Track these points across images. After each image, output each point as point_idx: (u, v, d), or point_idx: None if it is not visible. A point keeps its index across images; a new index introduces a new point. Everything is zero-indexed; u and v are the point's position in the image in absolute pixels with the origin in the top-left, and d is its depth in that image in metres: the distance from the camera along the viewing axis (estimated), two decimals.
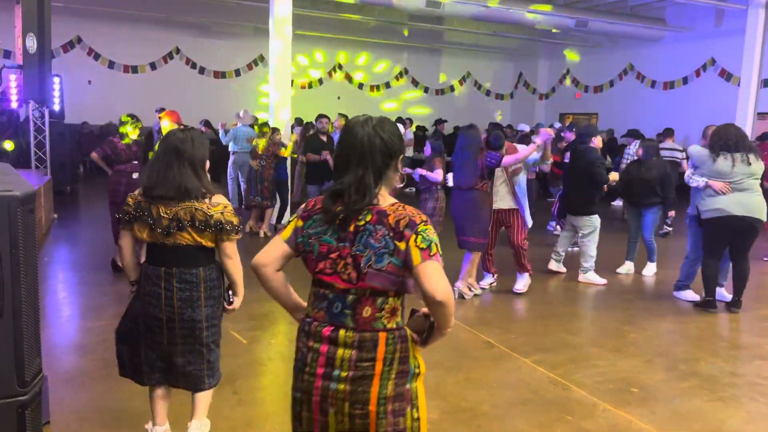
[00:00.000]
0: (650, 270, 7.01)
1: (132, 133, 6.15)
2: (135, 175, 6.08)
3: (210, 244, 2.72)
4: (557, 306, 5.91)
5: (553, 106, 20.20)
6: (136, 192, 2.75)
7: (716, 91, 14.74)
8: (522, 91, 21.49)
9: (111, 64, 16.64)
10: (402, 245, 1.77)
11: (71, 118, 13.45)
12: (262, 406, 3.49)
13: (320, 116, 9.08)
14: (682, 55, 15.71)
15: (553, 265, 6.90)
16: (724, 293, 5.94)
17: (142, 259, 2.87)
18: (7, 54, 13.33)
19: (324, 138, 8.80)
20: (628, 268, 7.08)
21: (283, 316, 5.09)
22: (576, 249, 7.38)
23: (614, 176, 6.67)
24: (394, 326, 1.86)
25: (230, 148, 10.05)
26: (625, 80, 17.63)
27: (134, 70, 16.95)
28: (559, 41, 18.07)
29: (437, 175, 6.39)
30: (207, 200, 2.68)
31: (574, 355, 4.47)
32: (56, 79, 10.65)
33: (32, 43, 8.04)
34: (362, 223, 1.81)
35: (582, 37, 17.52)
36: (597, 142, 6.58)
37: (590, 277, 6.52)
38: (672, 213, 7.11)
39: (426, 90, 20.73)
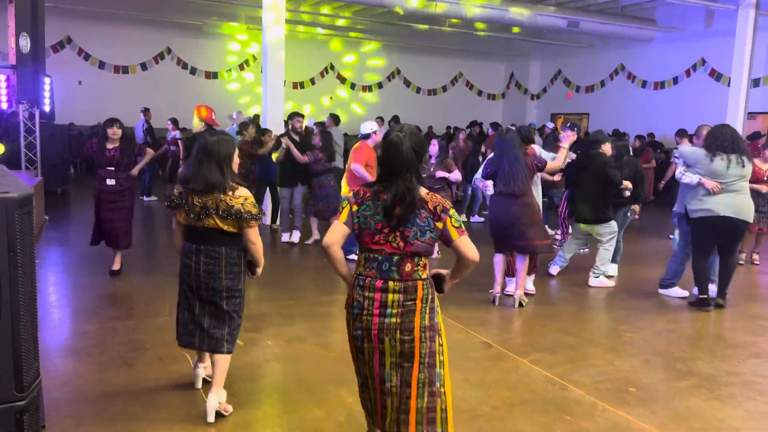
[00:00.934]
0: (613, 270, 6.91)
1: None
2: (109, 182, 5.92)
3: (232, 229, 3.24)
4: (553, 306, 5.92)
5: (545, 107, 20.27)
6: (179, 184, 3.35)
7: (706, 91, 14.85)
8: (514, 92, 21.56)
9: (101, 65, 16.54)
10: (440, 224, 2.49)
11: (60, 119, 13.35)
12: (260, 409, 3.46)
13: (294, 114, 8.52)
14: (673, 55, 15.81)
15: (555, 270, 6.80)
16: (714, 289, 5.98)
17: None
18: None
19: (297, 138, 8.02)
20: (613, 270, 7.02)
21: (280, 317, 5.07)
22: (582, 251, 7.43)
23: (627, 184, 6.38)
24: (426, 277, 2.56)
25: None
26: (616, 80, 17.73)
27: (125, 70, 16.86)
28: (551, 42, 18.13)
29: (456, 175, 6.91)
30: (230, 193, 3.19)
31: (572, 355, 4.48)
32: (47, 80, 10.56)
33: (25, 43, 7.97)
34: (408, 209, 2.47)
35: (574, 37, 17.59)
36: (606, 148, 6.52)
37: (603, 281, 6.46)
38: (637, 207, 7.05)
39: (418, 90, 20.75)
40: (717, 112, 12.51)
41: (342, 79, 19.62)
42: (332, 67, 19.44)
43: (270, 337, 4.63)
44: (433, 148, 6.97)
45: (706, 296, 5.68)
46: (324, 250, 2.60)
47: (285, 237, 8.22)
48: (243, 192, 3.23)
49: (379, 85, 20.21)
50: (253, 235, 3.26)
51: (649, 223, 10.65)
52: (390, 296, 2.50)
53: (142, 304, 5.32)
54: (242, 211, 3.18)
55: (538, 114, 20.24)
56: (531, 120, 19.03)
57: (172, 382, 3.76)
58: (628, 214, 6.84)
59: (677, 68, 15.79)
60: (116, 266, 6.20)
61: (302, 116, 8.48)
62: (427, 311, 2.53)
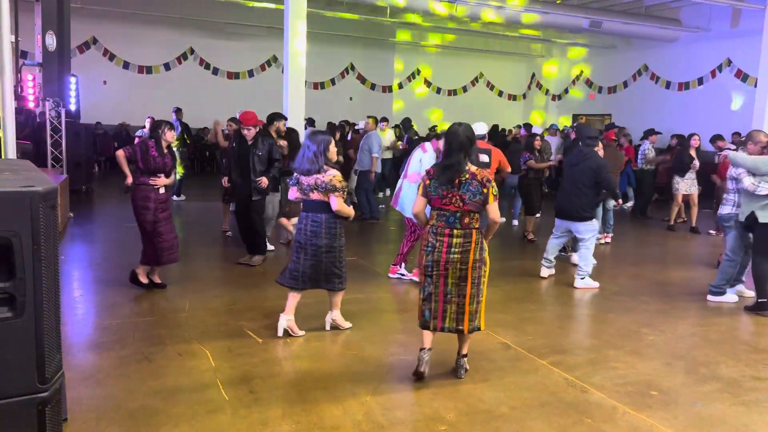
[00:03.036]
0: (576, 259, 6.91)
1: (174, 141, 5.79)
2: (161, 190, 5.55)
3: (325, 199, 4.38)
4: (572, 308, 5.86)
5: (566, 107, 20.09)
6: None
7: (732, 92, 14.59)
8: (534, 92, 21.40)
9: (126, 65, 16.77)
10: (485, 190, 3.68)
11: (86, 118, 13.56)
12: (278, 406, 3.47)
13: (279, 117, 7.58)
14: (698, 55, 15.57)
15: (545, 272, 6.69)
16: (745, 290, 6.02)
17: None
18: (24, 54, 13.42)
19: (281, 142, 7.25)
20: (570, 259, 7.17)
21: (299, 315, 5.08)
22: (563, 254, 7.36)
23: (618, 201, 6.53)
24: (478, 227, 3.76)
25: None
26: (639, 81, 17.50)
27: (148, 70, 17.06)
28: (573, 42, 17.97)
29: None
30: (323, 173, 4.37)
31: (592, 357, 4.42)
32: (73, 79, 10.73)
33: (51, 41, 8.10)
34: (463, 179, 3.68)
35: (596, 37, 17.40)
36: (600, 148, 6.51)
37: (588, 282, 6.40)
38: (620, 202, 6.99)
39: (438, 90, 20.70)
40: (743, 113, 12.30)
41: (362, 80, 19.64)
42: (353, 68, 19.47)
43: (289, 334, 4.64)
44: (433, 144, 6.82)
45: (766, 299, 5.63)
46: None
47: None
48: (332, 172, 4.40)
49: (400, 86, 20.19)
50: (334, 202, 4.35)
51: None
52: (454, 240, 3.72)
53: (163, 300, 5.38)
54: (329, 185, 4.34)
55: (560, 114, 20.07)
56: (552, 121, 18.86)
57: (192, 377, 3.79)
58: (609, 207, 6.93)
59: (702, 69, 15.53)
60: (158, 279, 5.74)
61: (285, 118, 7.66)
62: (478, 250, 3.74)
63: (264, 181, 6.49)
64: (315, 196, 4.38)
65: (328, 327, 4.74)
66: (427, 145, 6.24)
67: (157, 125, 5.62)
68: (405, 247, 6.35)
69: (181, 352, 4.20)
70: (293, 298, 4.58)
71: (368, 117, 10.33)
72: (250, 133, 6.50)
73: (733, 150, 6.32)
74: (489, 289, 5.99)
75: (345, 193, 4.44)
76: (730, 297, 6.06)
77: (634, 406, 3.62)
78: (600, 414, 3.51)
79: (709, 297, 6.08)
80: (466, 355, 3.98)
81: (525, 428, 3.32)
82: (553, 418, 3.45)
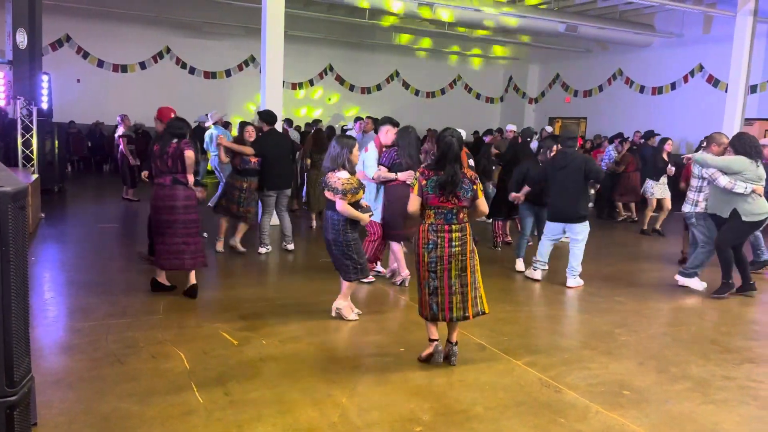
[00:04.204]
0: (521, 266, 7.10)
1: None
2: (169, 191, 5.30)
3: (332, 198, 4.74)
4: (548, 308, 5.92)
5: (543, 110, 20.31)
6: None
7: (704, 97, 14.89)
8: (512, 95, 21.59)
9: (100, 63, 16.53)
10: (475, 187, 4.06)
11: (59, 117, 13.32)
12: (254, 408, 3.45)
13: (245, 124, 7.82)
14: (671, 60, 15.85)
15: (539, 274, 6.75)
16: (699, 282, 6.51)
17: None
18: None
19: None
20: (520, 266, 7.13)
21: (275, 317, 5.06)
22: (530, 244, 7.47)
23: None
24: (468, 221, 4.12)
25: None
26: (614, 85, 17.77)
27: (123, 69, 16.84)
28: (549, 46, 18.17)
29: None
30: (331, 173, 4.72)
31: (566, 357, 4.47)
32: (45, 77, 10.54)
33: (23, 39, 7.93)
34: (460, 179, 3.99)
35: (572, 41, 17.63)
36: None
37: (580, 281, 6.53)
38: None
39: (416, 93, 20.77)
40: (714, 118, 12.56)
41: (341, 81, 19.63)
42: (331, 69, 19.44)
43: (264, 336, 4.62)
44: (376, 141, 6.77)
45: (731, 281, 6.25)
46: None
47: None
48: (340, 173, 4.70)
49: (378, 87, 20.22)
50: (337, 203, 4.67)
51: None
52: (454, 234, 4.04)
53: (137, 302, 5.31)
54: (332, 186, 4.67)
55: (537, 118, 20.28)
56: (529, 123, 19.06)
57: (166, 380, 3.75)
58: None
59: (675, 74, 15.82)
60: (194, 280, 5.50)
61: (252, 126, 7.59)
62: (470, 241, 4.11)
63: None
64: (327, 193, 4.76)
65: (333, 314, 5.04)
66: (370, 144, 6.21)
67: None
68: (369, 251, 6.15)
69: (155, 354, 4.15)
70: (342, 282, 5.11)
71: (367, 117, 10.05)
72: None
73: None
74: None
75: (350, 196, 4.67)
76: (698, 283, 6.49)
77: (607, 406, 3.67)
78: (574, 413, 3.56)
79: (678, 277, 6.58)
80: (457, 343, 4.22)
81: (500, 428, 3.35)
82: (527, 417, 3.48)
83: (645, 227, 10.28)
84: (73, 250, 7.44)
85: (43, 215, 8.98)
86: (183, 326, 4.77)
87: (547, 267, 6.79)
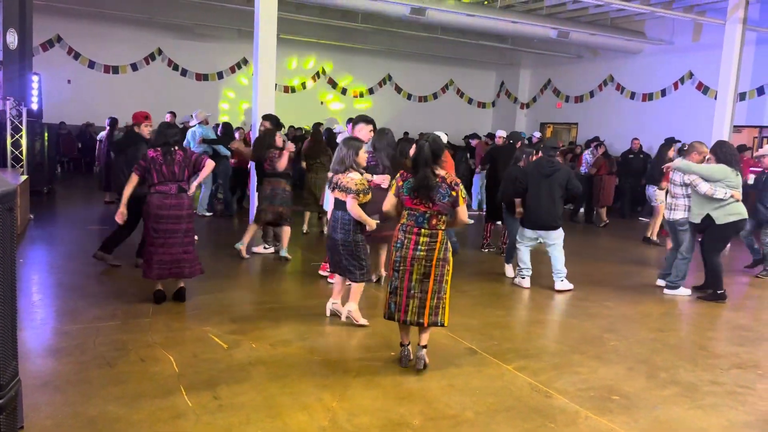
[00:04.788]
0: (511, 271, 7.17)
1: None
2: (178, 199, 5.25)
3: (343, 198, 4.78)
4: (538, 312, 5.94)
5: (535, 116, 20.39)
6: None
7: (694, 104, 15.00)
8: (504, 100, 21.67)
9: (91, 64, 16.43)
10: (454, 193, 3.96)
11: (49, 118, 13.23)
12: (243, 412, 3.43)
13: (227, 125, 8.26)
14: (661, 67, 15.96)
15: (528, 282, 6.70)
16: (684, 290, 6.67)
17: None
18: None
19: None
20: (509, 272, 7.17)
21: (265, 320, 5.04)
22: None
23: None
24: (443, 228, 4.02)
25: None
26: (605, 91, 17.86)
27: (115, 70, 16.75)
28: (541, 51, 18.26)
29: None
30: (343, 174, 4.80)
31: (556, 362, 4.48)
32: (35, 78, 10.47)
33: (13, 39, 7.86)
34: (433, 183, 3.92)
35: (563, 47, 17.72)
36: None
37: (568, 283, 6.59)
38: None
39: (409, 97, 20.81)
40: (704, 124, 12.66)
41: (333, 84, 19.62)
42: (324, 72, 19.44)
43: (254, 339, 4.60)
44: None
45: (724, 290, 6.46)
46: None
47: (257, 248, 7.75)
48: (351, 174, 4.76)
49: (370, 91, 20.23)
50: (348, 202, 4.71)
51: (630, 232, 10.72)
52: (421, 238, 3.99)
53: (125, 304, 5.27)
54: (344, 186, 4.75)
55: (528, 123, 20.35)
56: (520, 128, 19.13)
57: (154, 383, 3.73)
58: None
59: (665, 81, 15.94)
60: (182, 283, 5.47)
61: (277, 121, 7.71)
62: (442, 250, 4.00)
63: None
64: (337, 194, 4.84)
65: (343, 317, 5.07)
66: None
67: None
68: None
69: (143, 357, 4.13)
70: (337, 283, 5.20)
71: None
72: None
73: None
74: (456, 293, 6.10)
75: (362, 197, 4.73)
76: (683, 291, 6.64)
77: (596, 411, 3.68)
78: (563, 418, 3.57)
79: (666, 291, 6.71)
80: (425, 347, 4.14)
81: None
82: (517, 422, 3.48)
83: (649, 235, 10.02)
84: (61, 251, 7.39)
85: (31, 216, 8.91)
86: (172, 329, 4.74)
87: (531, 271, 6.80)
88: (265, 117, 7.71)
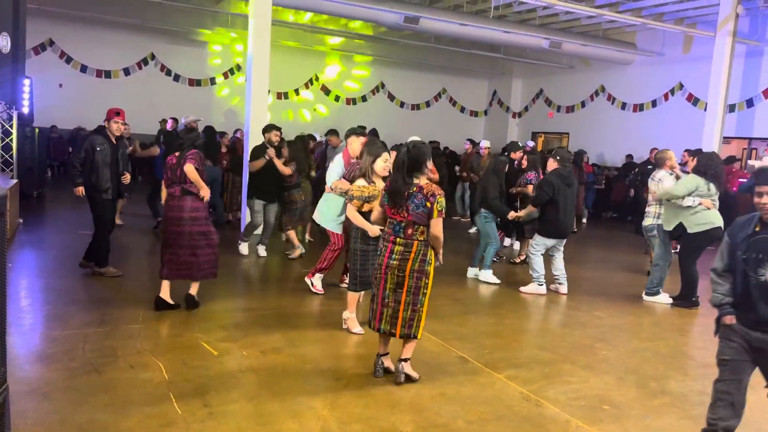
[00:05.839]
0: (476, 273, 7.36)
1: None
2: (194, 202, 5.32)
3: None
4: (529, 321, 5.95)
5: (526, 125, 20.49)
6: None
7: (684, 115, 15.13)
8: (496, 109, 21.77)
9: (83, 68, 16.37)
10: (429, 204, 3.83)
11: (40, 122, 13.14)
12: (233, 420, 3.41)
13: (272, 127, 7.93)
14: (652, 78, 16.10)
15: (565, 288, 6.91)
16: (665, 296, 6.77)
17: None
18: None
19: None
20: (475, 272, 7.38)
21: (256, 327, 5.02)
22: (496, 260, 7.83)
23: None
24: (422, 239, 3.91)
25: None
26: (596, 101, 17.98)
27: (107, 74, 16.69)
28: (533, 61, 18.37)
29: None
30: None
31: (547, 371, 4.49)
32: (26, 81, 10.41)
33: (6, 42, 7.81)
34: (411, 192, 3.86)
35: (555, 57, 17.84)
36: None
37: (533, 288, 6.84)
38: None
39: (402, 105, 20.86)
40: (694, 136, 12.76)
41: (326, 91, 19.65)
42: (317, 78, 19.46)
43: (245, 347, 4.58)
44: (345, 155, 6.74)
45: (698, 297, 6.60)
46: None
47: (243, 249, 7.87)
48: (358, 181, 4.84)
49: (363, 98, 20.26)
50: (347, 208, 4.83)
51: (627, 240, 10.77)
52: (396, 247, 3.95)
53: (115, 310, 5.23)
54: (347, 190, 4.96)
55: (520, 132, 20.45)
56: (512, 137, 19.21)
57: (144, 390, 3.70)
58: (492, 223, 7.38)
59: (656, 92, 16.07)
60: (194, 290, 5.47)
61: (279, 129, 7.86)
62: (417, 261, 3.91)
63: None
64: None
65: (343, 325, 5.08)
66: (337, 157, 6.12)
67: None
68: (329, 260, 6.10)
69: (133, 364, 4.09)
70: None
71: (330, 130, 9.71)
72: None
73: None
74: (449, 302, 6.12)
75: (357, 202, 4.72)
76: (663, 298, 6.74)
77: (587, 420, 3.69)
78: (554, 428, 3.57)
79: (645, 297, 6.83)
80: (406, 360, 4.06)
81: None
82: (508, 431, 3.48)
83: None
84: (51, 256, 7.33)
85: (21, 221, 8.84)
86: (162, 336, 4.71)
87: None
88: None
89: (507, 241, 9.57)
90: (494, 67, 20.79)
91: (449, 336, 5.08)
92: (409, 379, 4.07)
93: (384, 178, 4.87)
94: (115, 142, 6.30)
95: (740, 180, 10.96)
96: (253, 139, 9.09)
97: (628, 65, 16.58)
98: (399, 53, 18.93)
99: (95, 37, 16.16)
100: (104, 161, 6.14)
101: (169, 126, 11.37)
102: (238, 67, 17.94)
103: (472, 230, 10.20)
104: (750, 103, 13.80)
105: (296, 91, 19.14)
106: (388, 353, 4.18)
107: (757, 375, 3.13)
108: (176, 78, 17.46)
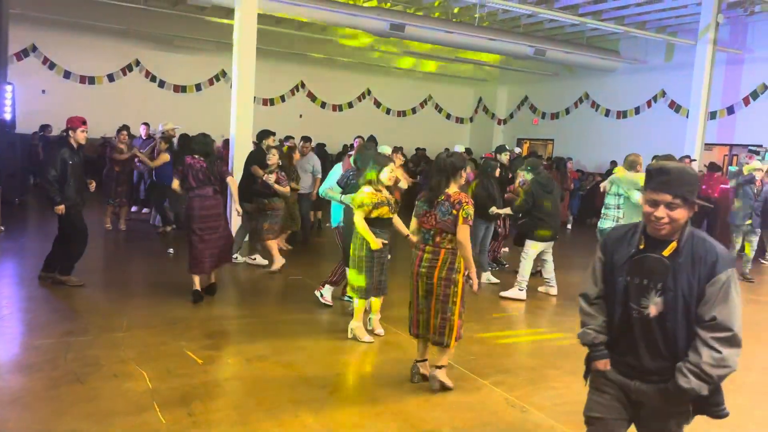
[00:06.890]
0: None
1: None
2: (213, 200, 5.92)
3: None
4: (514, 327, 5.97)
5: (512, 131, 20.64)
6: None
7: (666, 122, 15.32)
8: (481, 116, 21.90)
9: (67, 74, 16.22)
10: (455, 212, 3.93)
11: (23, 128, 13.00)
12: (218, 429, 3.39)
13: (268, 134, 8.10)
14: (635, 85, 16.30)
15: (555, 290, 7.11)
16: (491, 277, 7.11)
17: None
18: None
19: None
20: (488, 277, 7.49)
21: (242, 335, 5.00)
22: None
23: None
24: (450, 247, 4.00)
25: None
26: (580, 108, 18.16)
27: (91, 80, 16.56)
28: (518, 69, 18.52)
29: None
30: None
31: (532, 377, 4.51)
32: (8, 87, 10.31)
33: None
34: (440, 200, 4.00)
35: (540, 65, 18.00)
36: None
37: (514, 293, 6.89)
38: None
39: (388, 111, 20.91)
40: (676, 142, 12.92)
41: (312, 97, 19.64)
42: (303, 85, 19.46)
43: (231, 355, 4.55)
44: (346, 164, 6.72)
45: None
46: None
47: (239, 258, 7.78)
48: (366, 188, 4.76)
49: (350, 105, 20.29)
50: (354, 217, 4.80)
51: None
52: (425, 255, 4.05)
53: (99, 318, 5.18)
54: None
55: (505, 138, 20.58)
56: (498, 144, 19.31)
57: (127, 400, 3.66)
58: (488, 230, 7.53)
59: (639, 99, 16.26)
60: (213, 279, 6.13)
61: (274, 134, 8.01)
62: (445, 269, 3.99)
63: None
64: None
65: (349, 335, 5.05)
66: (337, 165, 6.14)
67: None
68: (336, 275, 5.99)
69: (116, 373, 4.05)
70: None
71: (303, 138, 9.74)
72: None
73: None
74: None
75: (363, 210, 4.68)
76: None
77: (572, 426, 3.70)
78: None
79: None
80: (440, 367, 4.08)
81: None
82: None
83: None
84: (33, 264, 7.21)
85: (2, 228, 8.73)
86: (146, 344, 4.67)
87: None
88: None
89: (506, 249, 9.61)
90: (479, 74, 20.92)
91: None
92: (444, 387, 4.06)
93: (389, 188, 4.92)
94: (76, 149, 6.15)
95: (722, 186, 11.11)
96: (239, 146, 9.06)
97: (612, 73, 16.77)
98: (384, 59, 18.98)
99: (79, 43, 16.03)
100: (74, 173, 6.03)
101: (142, 132, 10.91)
102: (224, 74, 17.88)
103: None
104: (731, 110, 14.02)
105: (282, 98, 19.11)
106: (426, 360, 4.22)
107: None
108: (161, 84, 17.38)
